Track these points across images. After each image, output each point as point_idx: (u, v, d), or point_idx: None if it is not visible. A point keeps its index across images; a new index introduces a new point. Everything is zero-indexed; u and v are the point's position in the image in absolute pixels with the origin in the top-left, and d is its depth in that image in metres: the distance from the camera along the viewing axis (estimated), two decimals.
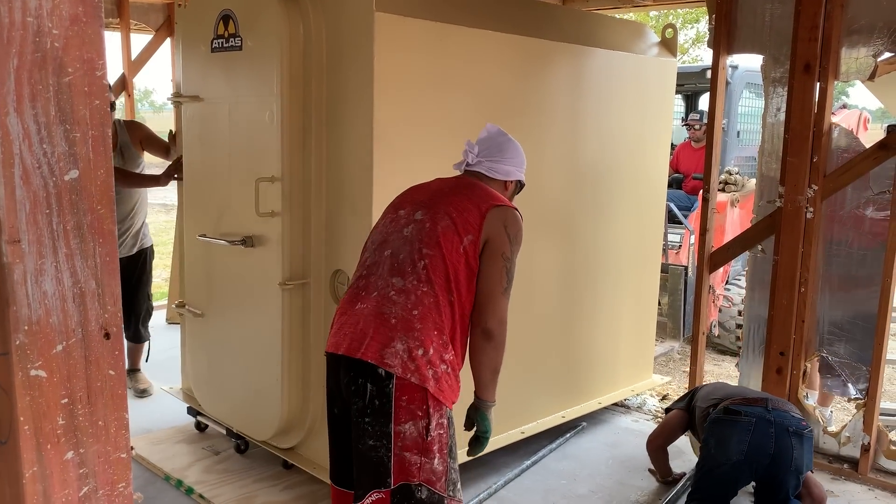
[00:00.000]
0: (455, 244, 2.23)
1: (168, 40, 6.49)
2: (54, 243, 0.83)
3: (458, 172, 2.59)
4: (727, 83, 7.01)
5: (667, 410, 3.81)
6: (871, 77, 3.67)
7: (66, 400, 0.85)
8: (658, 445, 3.64)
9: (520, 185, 2.64)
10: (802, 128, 3.71)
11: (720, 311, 6.29)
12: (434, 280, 2.20)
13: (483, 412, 2.42)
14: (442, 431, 2.20)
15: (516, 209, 2.40)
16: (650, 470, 3.75)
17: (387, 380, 2.14)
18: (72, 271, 0.84)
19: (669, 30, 4.51)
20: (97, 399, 0.88)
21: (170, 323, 6.15)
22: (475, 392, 2.42)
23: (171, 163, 4.18)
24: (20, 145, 0.79)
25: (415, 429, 2.14)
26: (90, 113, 0.84)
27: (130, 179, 4.30)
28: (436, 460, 2.16)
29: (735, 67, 6.97)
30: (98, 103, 0.84)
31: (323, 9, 3.15)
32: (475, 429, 2.45)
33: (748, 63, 6.97)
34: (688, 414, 3.55)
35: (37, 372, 0.83)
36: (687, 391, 3.76)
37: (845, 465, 3.82)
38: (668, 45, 4.49)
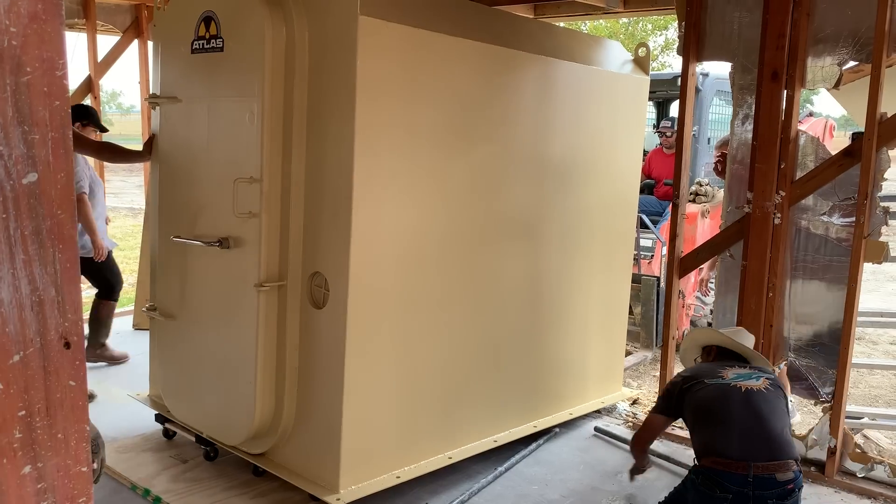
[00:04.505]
0: None
1: (136, 42, 6.39)
2: (11, 249, 0.79)
3: None
4: (698, 90, 7.13)
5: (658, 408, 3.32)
6: (837, 85, 3.73)
7: (23, 412, 0.82)
8: (643, 447, 3.39)
9: None
10: (770, 134, 3.76)
11: (692, 322, 6.34)
12: None
13: None
14: None
15: None
16: (631, 470, 3.51)
17: None
18: (30, 278, 0.81)
19: (643, 49, 4.58)
20: (56, 411, 0.84)
21: (136, 329, 6.05)
22: None
23: (147, 139, 4.17)
24: None
25: None
26: (50, 114, 0.81)
27: (123, 155, 4.42)
28: None
29: (706, 75, 7.06)
30: (58, 104, 0.81)
31: (306, 11, 3.14)
32: None
33: (718, 71, 7.07)
34: (672, 418, 3.23)
35: None
36: (671, 388, 3.20)
37: (812, 468, 3.87)
38: (641, 63, 4.55)
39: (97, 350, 5.28)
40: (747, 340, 3.36)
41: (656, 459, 3.98)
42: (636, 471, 3.50)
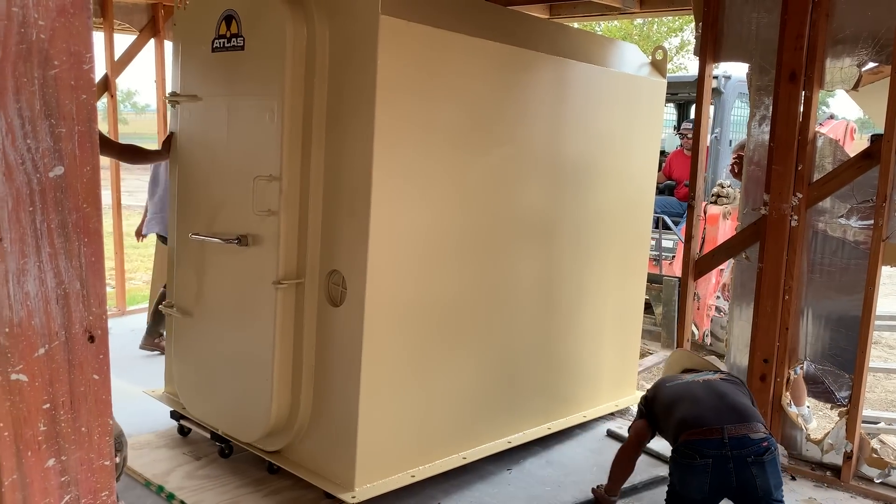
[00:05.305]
0: None
1: (152, 41, 6.42)
2: (38, 242, 0.80)
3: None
4: (720, 93, 7.10)
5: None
6: (856, 87, 3.70)
7: (47, 405, 0.82)
8: (630, 457, 3.44)
9: None
10: (788, 136, 3.73)
11: (712, 320, 6.31)
12: None
13: None
14: None
15: None
16: (593, 490, 3.57)
17: None
18: (56, 272, 0.81)
19: (660, 51, 4.56)
20: (80, 404, 0.84)
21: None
22: None
23: (165, 138, 4.20)
24: (3, 140, 0.76)
25: None
26: (77, 108, 0.81)
27: (143, 156, 4.47)
28: None
29: (728, 77, 7.03)
30: (85, 98, 0.81)
31: (327, 11, 3.15)
32: None
33: (741, 73, 7.05)
34: (649, 421, 3.39)
35: (17, 376, 0.80)
36: (646, 394, 3.44)
37: (828, 473, 3.84)
38: (658, 66, 4.53)
39: (155, 339, 5.36)
40: (717, 363, 3.79)
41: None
42: (604, 500, 3.48)
